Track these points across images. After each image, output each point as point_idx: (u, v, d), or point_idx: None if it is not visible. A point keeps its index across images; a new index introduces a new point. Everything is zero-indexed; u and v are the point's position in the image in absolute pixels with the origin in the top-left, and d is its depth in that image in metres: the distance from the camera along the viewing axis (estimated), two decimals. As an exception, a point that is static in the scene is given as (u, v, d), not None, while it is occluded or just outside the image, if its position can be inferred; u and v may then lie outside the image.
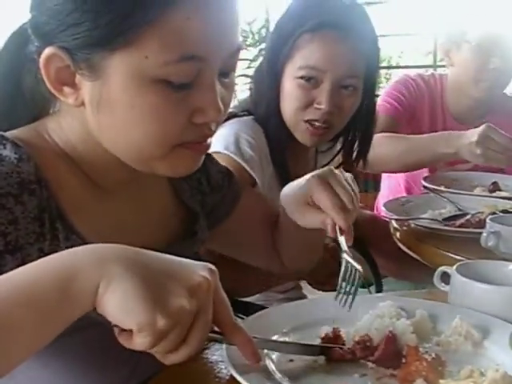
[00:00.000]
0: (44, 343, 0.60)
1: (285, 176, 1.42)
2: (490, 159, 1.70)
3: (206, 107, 0.75)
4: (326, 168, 0.96)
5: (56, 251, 0.63)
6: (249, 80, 3.02)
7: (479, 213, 1.48)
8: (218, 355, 0.84)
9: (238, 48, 0.78)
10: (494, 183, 1.79)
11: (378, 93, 1.57)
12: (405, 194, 2.04)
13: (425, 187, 1.80)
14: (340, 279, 0.86)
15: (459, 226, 1.44)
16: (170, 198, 0.97)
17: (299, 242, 1.09)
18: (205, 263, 0.66)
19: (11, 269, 0.61)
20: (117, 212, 0.86)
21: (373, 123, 1.49)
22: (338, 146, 1.53)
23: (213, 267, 0.66)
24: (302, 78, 1.34)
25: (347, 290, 0.84)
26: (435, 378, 0.76)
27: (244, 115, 1.43)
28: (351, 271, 0.85)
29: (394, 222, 1.56)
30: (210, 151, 0.86)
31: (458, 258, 1.25)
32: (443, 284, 1.03)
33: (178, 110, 0.74)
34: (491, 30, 1.90)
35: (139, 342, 0.61)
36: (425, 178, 1.86)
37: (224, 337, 0.70)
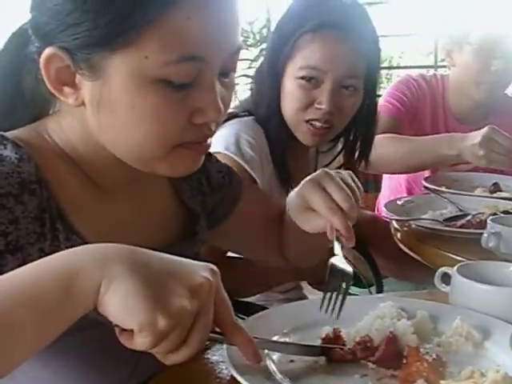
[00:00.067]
0: (45, 343, 0.60)
1: (285, 176, 1.42)
2: (492, 161, 1.70)
3: (206, 107, 0.75)
4: (320, 170, 0.94)
5: (56, 251, 0.63)
6: (249, 80, 3.02)
7: (480, 213, 1.48)
8: (219, 355, 0.83)
9: (238, 48, 0.78)
10: (495, 184, 1.78)
11: (378, 93, 1.56)
12: (406, 195, 2.04)
13: (426, 188, 1.80)
14: (324, 288, 0.85)
15: (460, 227, 1.44)
16: (170, 198, 0.97)
17: (306, 244, 1.08)
18: (206, 264, 0.66)
19: (12, 269, 0.61)
20: (117, 212, 0.86)
21: (374, 124, 1.49)
22: (339, 146, 1.53)
23: (214, 268, 0.66)
24: (302, 78, 1.34)
25: (332, 296, 0.84)
26: (436, 379, 0.76)
27: (244, 115, 1.43)
28: (337, 277, 0.84)
29: (394, 222, 1.55)
30: (210, 151, 0.86)
31: (459, 258, 1.25)
32: (444, 285, 1.03)
33: (178, 110, 0.74)
34: (493, 32, 1.90)
35: (140, 342, 0.60)
36: (426, 179, 1.86)
37: (225, 337, 0.70)
